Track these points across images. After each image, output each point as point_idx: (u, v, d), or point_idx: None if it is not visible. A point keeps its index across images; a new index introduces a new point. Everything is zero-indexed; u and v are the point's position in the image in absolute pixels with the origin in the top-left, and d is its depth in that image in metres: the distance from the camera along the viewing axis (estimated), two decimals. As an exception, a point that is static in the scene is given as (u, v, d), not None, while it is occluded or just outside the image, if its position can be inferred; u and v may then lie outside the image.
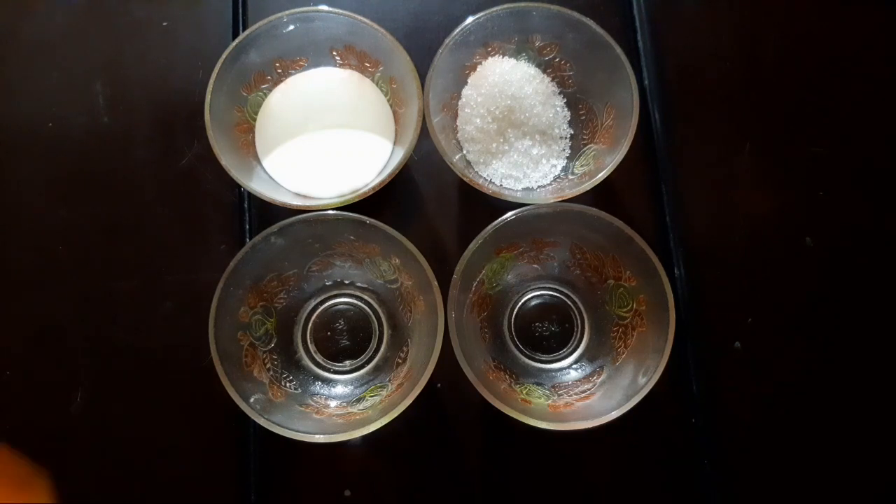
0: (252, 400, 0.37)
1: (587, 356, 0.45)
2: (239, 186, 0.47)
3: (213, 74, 0.43)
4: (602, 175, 0.41)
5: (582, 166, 0.46)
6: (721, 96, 0.51)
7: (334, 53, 0.48)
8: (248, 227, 0.47)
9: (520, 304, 0.47)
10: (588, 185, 0.41)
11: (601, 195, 0.45)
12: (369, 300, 0.47)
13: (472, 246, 0.39)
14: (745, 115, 0.51)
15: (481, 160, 0.47)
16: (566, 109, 0.48)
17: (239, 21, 0.51)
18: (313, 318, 0.46)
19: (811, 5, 0.53)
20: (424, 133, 0.42)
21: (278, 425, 0.36)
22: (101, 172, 0.49)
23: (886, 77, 0.52)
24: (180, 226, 0.48)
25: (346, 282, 0.46)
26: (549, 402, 0.41)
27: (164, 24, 0.52)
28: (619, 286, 0.42)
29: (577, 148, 0.48)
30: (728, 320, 0.47)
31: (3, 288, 0.47)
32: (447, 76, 0.45)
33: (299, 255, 0.43)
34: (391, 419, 0.35)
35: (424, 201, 0.49)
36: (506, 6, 0.44)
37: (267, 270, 0.42)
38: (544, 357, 0.46)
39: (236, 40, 0.43)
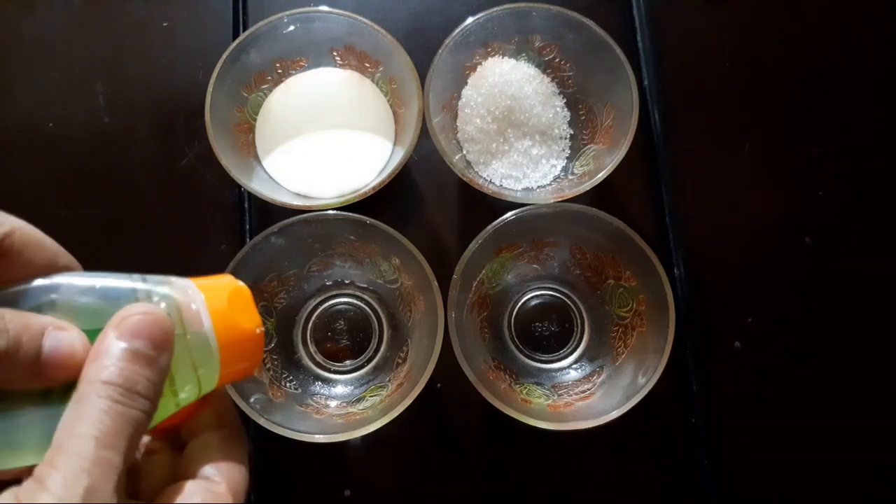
0: (252, 400, 0.37)
1: (587, 356, 0.45)
2: (239, 186, 0.47)
3: (214, 74, 0.43)
4: (602, 175, 0.41)
5: (582, 166, 0.46)
6: (721, 96, 0.51)
7: (334, 54, 0.48)
8: (248, 227, 0.47)
9: (520, 304, 0.47)
10: (588, 185, 0.41)
11: (601, 195, 0.45)
12: (369, 300, 0.47)
13: (472, 246, 0.39)
14: (745, 115, 0.51)
15: (481, 160, 0.47)
16: (566, 109, 0.48)
17: (239, 21, 0.51)
18: (313, 318, 0.46)
19: (811, 5, 0.53)
20: (424, 133, 0.42)
21: (278, 425, 0.36)
22: (101, 172, 0.49)
23: (886, 77, 0.52)
24: (180, 226, 0.48)
25: (346, 282, 0.46)
26: (549, 402, 0.41)
27: (164, 24, 0.52)
28: (619, 286, 0.42)
29: (576, 148, 0.48)
30: (728, 320, 0.47)
31: (3, 288, 0.47)
32: (447, 76, 0.45)
33: (299, 255, 0.43)
34: (391, 419, 0.35)
35: (424, 201, 0.49)
36: (506, 6, 0.44)
37: (267, 270, 0.42)
38: (544, 357, 0.46)
39: (236, 40, 0.43)
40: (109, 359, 0.20)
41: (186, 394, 0.23)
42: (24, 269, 0.22)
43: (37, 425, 0.21)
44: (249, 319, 0.25)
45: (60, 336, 0.21)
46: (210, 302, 0.24)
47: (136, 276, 0.24)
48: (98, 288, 0.23)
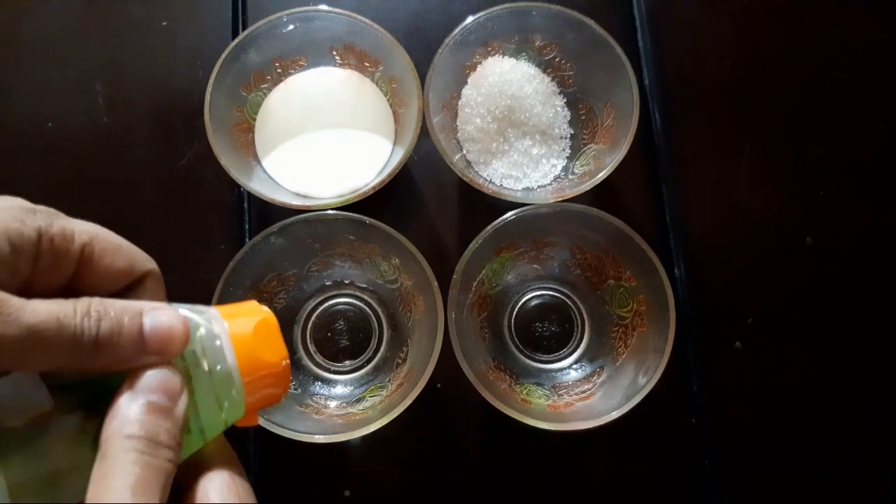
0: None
1: (587, 356, 0.45)
2: (239, 186, 0.47)
3: (213, 74, 0.42)
4: (602, 175, 0.41)
5: (582, 166, 0.46)
6: (721, 96, 0.51)
7: (334, 53, 0.48)
8: (247, 227, 0.47)
9: (520, 304, 0.47)
10: (588, 185, 0.41)
11: (601, 195, 0.45)
12: (369, 300, 0.46)
13: (472, 246, 0.39)
14: (745, 115, 0.51)
15: (481, 160, 0.47)
16: (566, 109, 0.48)
17: (238, 21, 0.51)
18: (313, 318, 0.46)
19: (811, 5, 0.53)
20: (424, 133, 0.42)
21: (278, 425, 0.36)
22: (101, 172, 0.49)
23: (886, 77, 0.52)
24: (180, 226, 0.48)
25: (346, 282, 0.46)
26: (550, 402, 0.41)
27: (164, 23, 0.52)
28: (619, 286, 0.42)
29: (577, 148, 0.48)
30: (728, 320, 0.47)
31: (2, 288, 0.47)
32: (447, 76, 0.45)
33: (299, 255, 0.43)
34: (391, 419, 0.35)
35: (424, 201, 0.49)
36: (506, 6, 0.44)
37: (267, 270, 0.42)
38: (544, 357, 0.46)
39: (236, 40, 0.43)
40: (130, 414, 0.21)
41: (212, 428, 0.23)
42: (103, 276, 0.24)
43: (67, 475, 0.21)
44: (274, 352, 0.25)
45: (159, 314, 0.22)
46: (234, 335, 0.24)
47: (173, 306, 0.24)
48: None
